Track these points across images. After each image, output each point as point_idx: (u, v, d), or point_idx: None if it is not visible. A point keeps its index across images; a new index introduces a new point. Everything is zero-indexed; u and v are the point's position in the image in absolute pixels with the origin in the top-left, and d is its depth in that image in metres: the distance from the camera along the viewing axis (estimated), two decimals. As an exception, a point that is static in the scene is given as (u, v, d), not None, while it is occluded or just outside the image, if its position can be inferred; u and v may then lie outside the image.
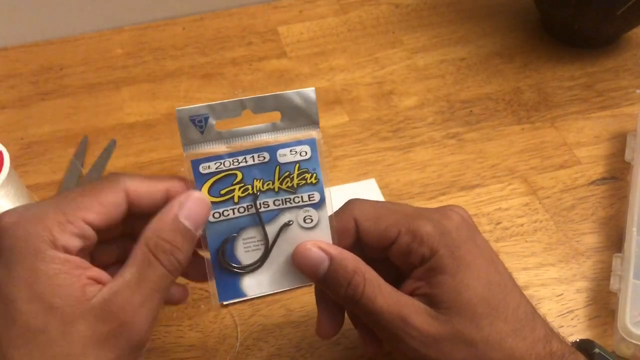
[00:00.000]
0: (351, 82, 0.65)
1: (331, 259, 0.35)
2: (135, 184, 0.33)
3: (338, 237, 0.36)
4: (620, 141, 0.58)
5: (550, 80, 0.65)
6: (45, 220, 0.29)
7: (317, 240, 0.36)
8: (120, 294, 0.30)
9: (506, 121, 0.61)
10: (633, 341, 0.42)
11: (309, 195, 0.36)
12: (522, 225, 0.52)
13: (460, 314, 0.33)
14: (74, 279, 0.29)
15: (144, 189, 0.33)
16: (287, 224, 0.36)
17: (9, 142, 0.57)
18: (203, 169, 0.35)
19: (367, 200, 0.38)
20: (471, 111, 0.62)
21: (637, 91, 0.64)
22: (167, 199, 0.33)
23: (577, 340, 0.40)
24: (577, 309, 0.47)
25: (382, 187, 0.55)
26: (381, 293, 0.34)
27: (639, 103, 0.62)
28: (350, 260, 0.35)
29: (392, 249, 0.36)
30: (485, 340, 0.33)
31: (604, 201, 0.54)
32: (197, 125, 0.34)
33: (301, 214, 0.36)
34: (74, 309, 0.29)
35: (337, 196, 0.37)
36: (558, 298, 0.48)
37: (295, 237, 0.36)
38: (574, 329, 0.46)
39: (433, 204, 0.54)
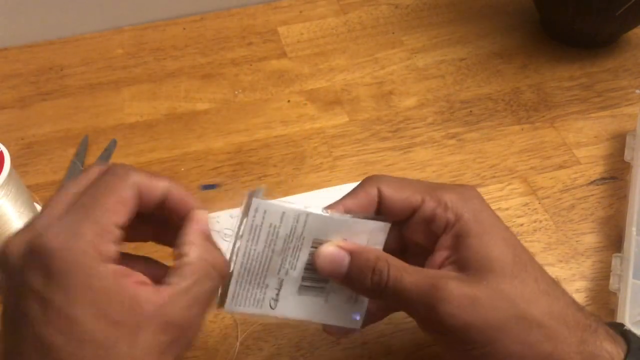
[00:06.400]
0: (351, 82, 0.65)
1: (351, 253, 0.35)
2: (141, 178, 0.32)
3: (361, 206, 0.37)
4: (619, 141, 0.59)
5: (549, 80, 0.65)
6: (85, 235, 0.29)
7: (335, 241, 0.36)
8: (178, 303, 0.30)
9: (506, 121, 0.61)
10: (632, 341, 0.42)
11: None
12: (521, 225, 0.53)
13: (493, 272, 0.33)
14: (127, 288, 0.29)
15: (147, 185, 0.32)
16: None
17: (9, 142, 0.57)
18: None
19: (390, 175, 0.38)
20: (471, 111, 0.62)
21: (637, 91, 0.64)
22: (164, 199, 0.33)
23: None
24: (577, 309, 0.47)
25: (382, 187, 0.55)
26: (407, 272, 0.34)
27: (639, 103, 0.62)
28: (371, 251, 0.35)
29: (415, 218, 0.36)
30: (521, 297, 0.32)
31: (604, 201, 0.54)
32: None
33: None
34: (136, 319, 0.29)
35: (336, 196, 0.37)
36: (557, 298, 0.48)
37: None
38: (573, 329, 0.46)
39: (433, 204, 0.54)
